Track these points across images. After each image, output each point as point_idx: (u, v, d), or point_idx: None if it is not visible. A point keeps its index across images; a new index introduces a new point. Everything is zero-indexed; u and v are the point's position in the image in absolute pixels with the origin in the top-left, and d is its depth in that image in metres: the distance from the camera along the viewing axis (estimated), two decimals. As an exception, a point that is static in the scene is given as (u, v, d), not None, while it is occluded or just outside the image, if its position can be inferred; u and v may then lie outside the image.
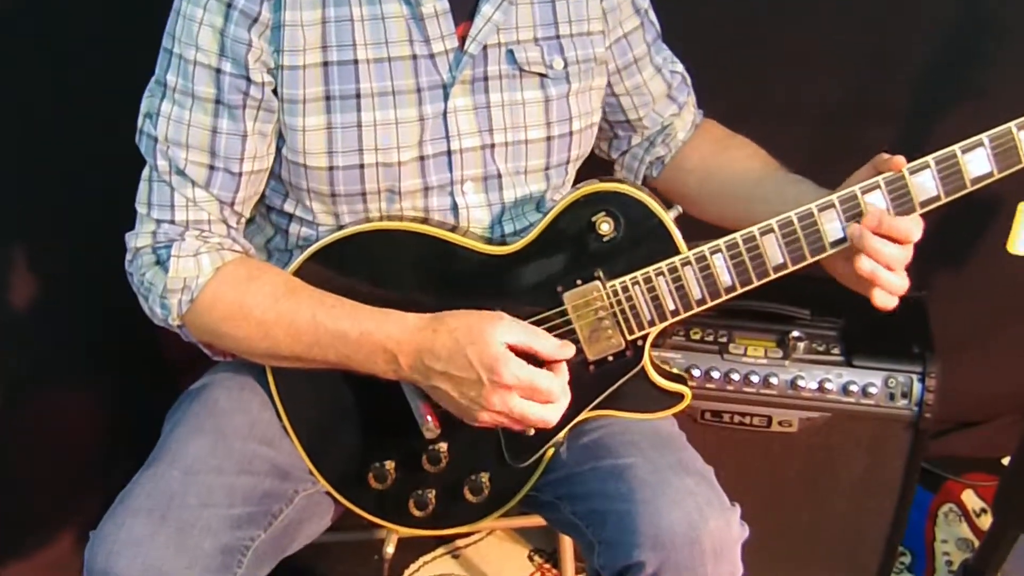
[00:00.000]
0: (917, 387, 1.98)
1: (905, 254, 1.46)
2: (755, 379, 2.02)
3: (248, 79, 1.46)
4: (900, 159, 1.44)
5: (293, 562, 1.65)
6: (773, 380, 2.01)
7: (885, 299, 1.47)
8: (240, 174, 1.50)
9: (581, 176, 1.64)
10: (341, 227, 1.55)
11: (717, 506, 1.49)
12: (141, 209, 1.52)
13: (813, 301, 2.05)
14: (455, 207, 1.57)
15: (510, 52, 1.55)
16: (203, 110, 1.47)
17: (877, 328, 2.01)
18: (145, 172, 1.52)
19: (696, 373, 2.02)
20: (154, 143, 1.49)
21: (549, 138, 1.59)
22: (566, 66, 1.58)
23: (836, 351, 2.02)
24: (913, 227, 1.45)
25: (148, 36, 1.55)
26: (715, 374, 2.03)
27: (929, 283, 2.23)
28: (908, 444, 2.02)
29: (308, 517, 1.63)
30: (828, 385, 2.00)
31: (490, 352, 1.40)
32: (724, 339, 2.05)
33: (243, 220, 1.56)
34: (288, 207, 1.58)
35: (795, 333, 2.03)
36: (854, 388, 2.00)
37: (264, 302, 1.48)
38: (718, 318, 2.06)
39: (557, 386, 1.44)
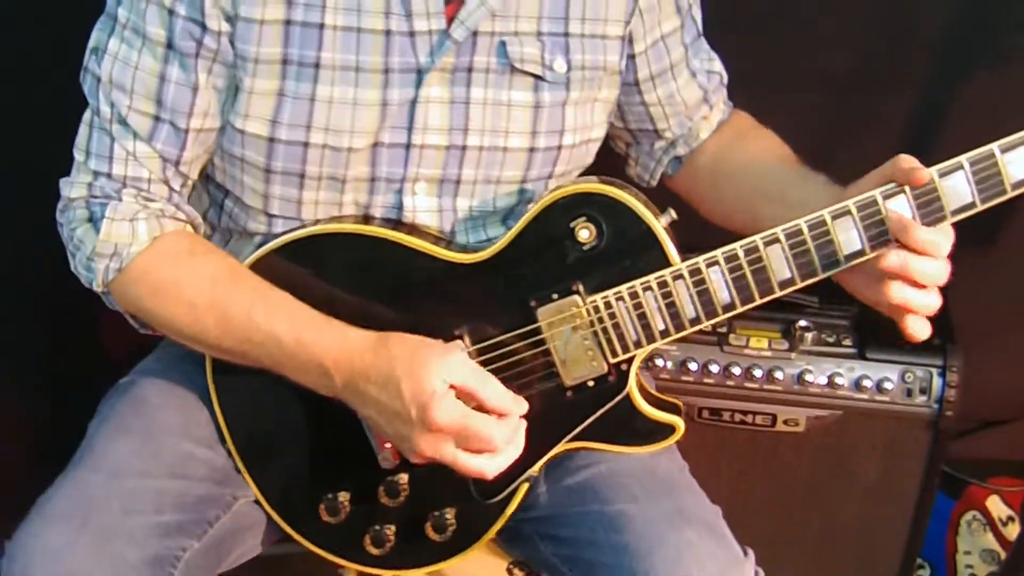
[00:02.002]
0: (937, 382, 1.98)
1: (941, 269, 1.38)
2: (758, 373, 2.00)
3: (203, 26, 1.41)
4: (925, 173, 1.37)
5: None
6: (778, 375, 2.00)
7: (920, 327, 1.41)
8: (187, 130, 1.47)
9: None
10: (269, 215, 1.52)
11: (723, 560, 1.46)
12: (79, 156, 1.49)
13: (822, 287, 1.97)
14: (400, 206, 1.52)
15: (502, 44, 1.49)
16: (152, 53, 1.43)
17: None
18: (87, 115, 1.49)
19: (693, 367, 2.02)
20: (97, 83, 1.46)
21: (532, 149, 1.54)
22: (569, 70, 1.52)
23: (848, 342, 2.01)
24: (943, 240, 1.38)
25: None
26: (714, 368, 2.01)
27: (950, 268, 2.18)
28: (927, 445, 2.01)
29: (249, 526, 1.61)
30: (839, 380, 1.99)
31: (424, 388, 1.36)
32: (724, 329, 2.03)
33: (188, 183, 1.53)
34: (220, 178, 1.54)
35: (802, 323, 2.01)
36: (867, 383, 1.99)
37: (200, 283, 1.45)
38: None
39: (500, 435, 1.39)
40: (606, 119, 1.62)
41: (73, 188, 1.49)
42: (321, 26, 1.42)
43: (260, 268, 1.50)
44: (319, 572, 2.16)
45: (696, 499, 1.56)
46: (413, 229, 1.53)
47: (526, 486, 1.56)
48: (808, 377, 1.99)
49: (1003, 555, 2.40)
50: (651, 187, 1.76)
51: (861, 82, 2.22)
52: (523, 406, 1.43)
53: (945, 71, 2.17)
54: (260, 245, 1.52)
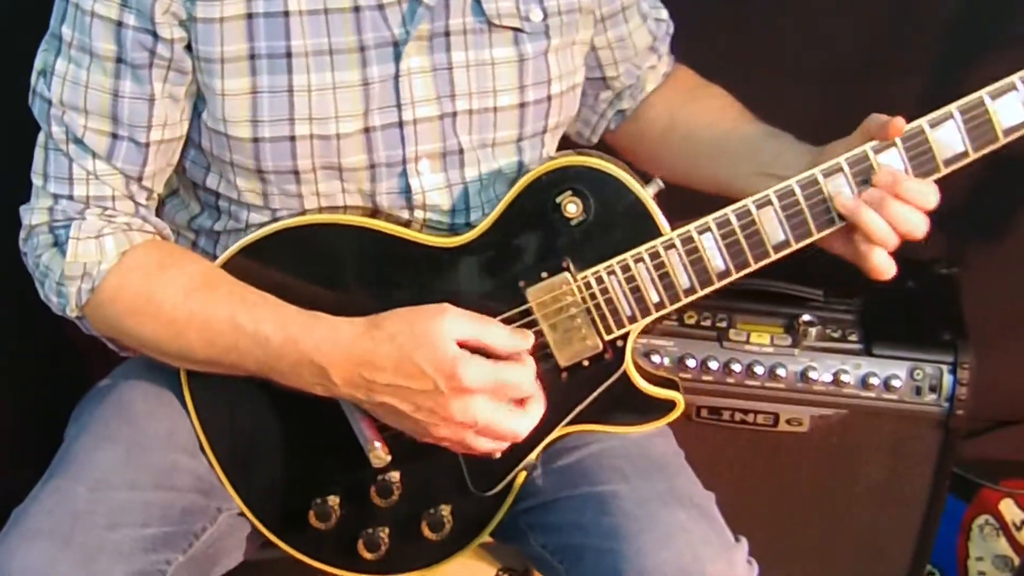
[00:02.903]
0: (948, 379, 1.97)
1: (923, 220, 1.42)
2: (759, 370, 2.00)
3: (155, 35, 1.41)
4: (900, 121, 1.41)
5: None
6: (780, 372, 1.99)
7: (888, 263, 1.45)
8: (148, 144, 1.47)
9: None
10: (271, 209, 1.52)
11: (716, 544, 1.46)
12: (37, 181, 1.49)
13: (827, 279, 2.03)
14: (407, 190, 1.52)
15: (476, 2, 1.49)
16: (102, 70, 1.43)
17: (901, 311, 2.03)
18: (40, 138, 1.50)
19: (691, 363, 2.01)
20: (48, 106, 1.46)
21: (523, 104, 1.55)
22: (545, 18, 1.54)
23: (853, 338, 2.00)
24: (930, 192, 1.42)
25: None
26: (713, 364, 2.00)
27: (961, 258, 2.21)
28: (937, 446, 2.00)
29: (235, 537, 1.61)
30: (844, 377, 1.98)
31: (444, 354, 1.37)
32: (723, 324, 2.03)
33: (154, 196, 1.53)
34: (211, 182, 1.54)
35: (806, 317, 2.01)
36: (874, 381, 1.98)
37: (176, 295, 1.45)
38: (716, 299, 1.98)
39: (528, 379, 1.42)
40: (583, 61, 1.64)
41: (34, 214, 1.48)
42: (286, 13, 1.42)
43: (231, 268, 1.50)
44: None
45: (689, 482, 1.56)
46: (389, 216, 1.53)
47: (523, 476, 1.56)
48: (812, 374, 1.98)
49: (1017, 561, 2.39)
50: (591, 144, 1.78)
51: (865, 69, 2.22)
52: (529, 339, 1.44)
53: (953, 57, 2.16)
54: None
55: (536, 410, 1.44)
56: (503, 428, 1.41)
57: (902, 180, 1.41)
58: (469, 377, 1.37)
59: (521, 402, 1.43)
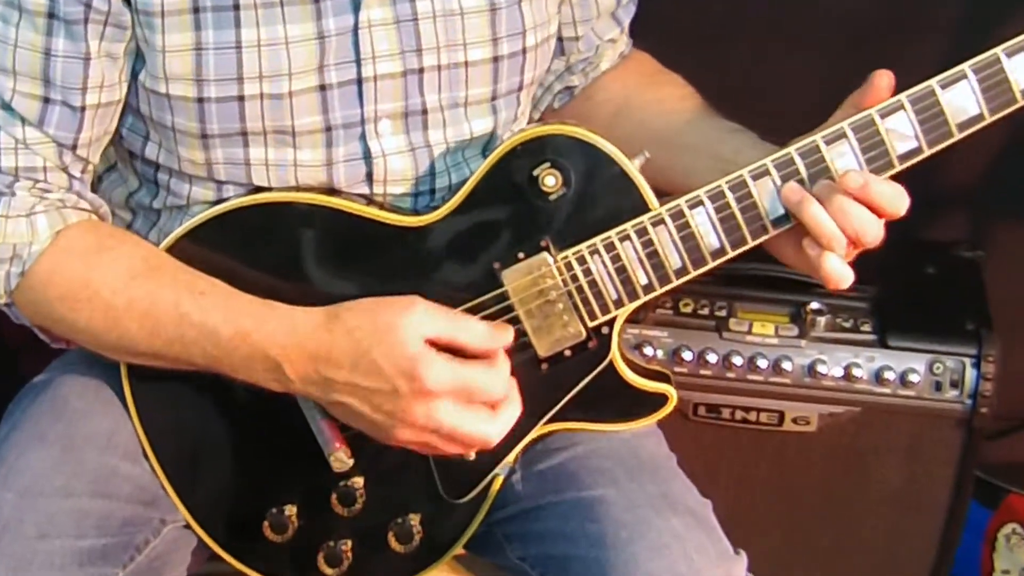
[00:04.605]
0: (970, 374, 1.95)
1: (878, 229, 1.39)
2: (763, 364, 1.98)
3: None
4: (883, 75, 1.39)
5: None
6: (786, 365, 1.98)
7: (844, 270, 1.40)
8: (83, 108, 1.45)
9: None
10: (216, 181, 1.51)
11: (713, 554, 1.45)
12: None
13: None
14: (367, 154, 1.51)
15: None
16: (33, 26, 1.41)
17: (919, 298, 2.03)
18: None
19: (687, 356, 2.00)
20: None
21: (496, 59, 1.54)
22: None
23: (867, 328, 1.99)
24: (901, 197, 1.39)
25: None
26: (711, 357, 1.99)
27: (986, 241, 2.18)
28: (959, 447, 1.99)
29: (180, 551, 1.59)
30: (856, 372, 1.97)
31: (405, 353, 1.36)
32: (723, 312, 2.02)
33: (90, 168, 1.52)
34: (150, 152, 1.53)
35: (814, 304, 2.00)
36: (889, 375, 1.96)
37: (115, 281, 1.43)
38: (715, 285, 2.02)
39: (499, 382, 1.40)
40: (556, 10, 1.63)
41: None
42: None
43: (176, 253, 1.49)
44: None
45: (684, 486, 1.56)
46: (348, 195, 1.52)
47: (500, 480, 1.55)
48: (821, 368, 1.97)
49: (1046, 573, 2.40)
50: (532, 119, 1.76)
51: (882, 26, 2.21)
52: (509, 335, 1.43)
53: (976, 13, 2.16)
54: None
55: (509, 414, 1.42)
56: (470, 433, 1.39)
57: (871, 183, 1.37)
58: (431, 379, 1.35)
59: (493, 404, 1.41)
